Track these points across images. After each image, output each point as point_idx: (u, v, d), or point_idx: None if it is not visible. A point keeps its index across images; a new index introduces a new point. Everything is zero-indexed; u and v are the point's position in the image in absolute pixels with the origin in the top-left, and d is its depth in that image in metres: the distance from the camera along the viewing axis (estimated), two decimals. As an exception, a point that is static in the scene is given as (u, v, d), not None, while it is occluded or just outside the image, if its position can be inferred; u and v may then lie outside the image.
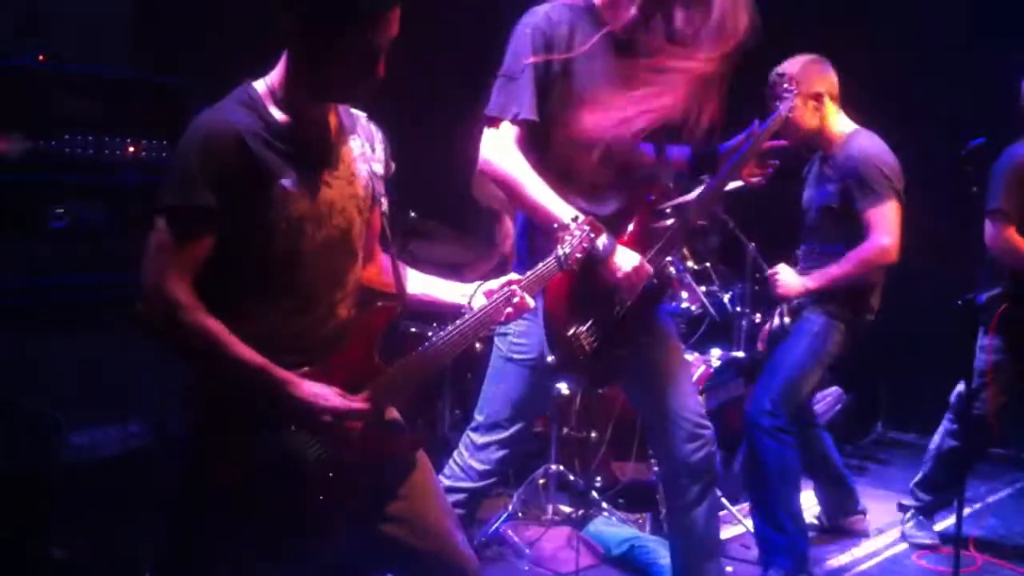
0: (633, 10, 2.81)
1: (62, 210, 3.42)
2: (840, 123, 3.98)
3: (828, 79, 3.95)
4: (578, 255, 2.44)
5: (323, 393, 2.17)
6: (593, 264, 2.67)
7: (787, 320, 4.06)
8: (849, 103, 4.02)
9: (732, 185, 3.28)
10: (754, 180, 3.23)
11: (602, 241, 2.66)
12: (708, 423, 3.01)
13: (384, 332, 2.32)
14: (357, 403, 2.21)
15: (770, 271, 4.00)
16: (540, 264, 2.46)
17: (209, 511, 2.19)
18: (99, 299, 3.42)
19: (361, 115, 2.40)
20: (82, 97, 3.52)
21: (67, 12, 3.94)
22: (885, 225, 3.77)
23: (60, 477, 3.28)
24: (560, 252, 2.43)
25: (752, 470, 3.97)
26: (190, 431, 2.20)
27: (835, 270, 3.84)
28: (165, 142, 3.68)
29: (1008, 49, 4.59)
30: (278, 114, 2.19)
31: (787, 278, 3.93)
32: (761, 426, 3.89)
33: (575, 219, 2.48)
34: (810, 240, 4.08)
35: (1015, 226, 4.02)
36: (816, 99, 3.90)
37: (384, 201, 2.37)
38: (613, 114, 2.78)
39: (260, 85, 2.21)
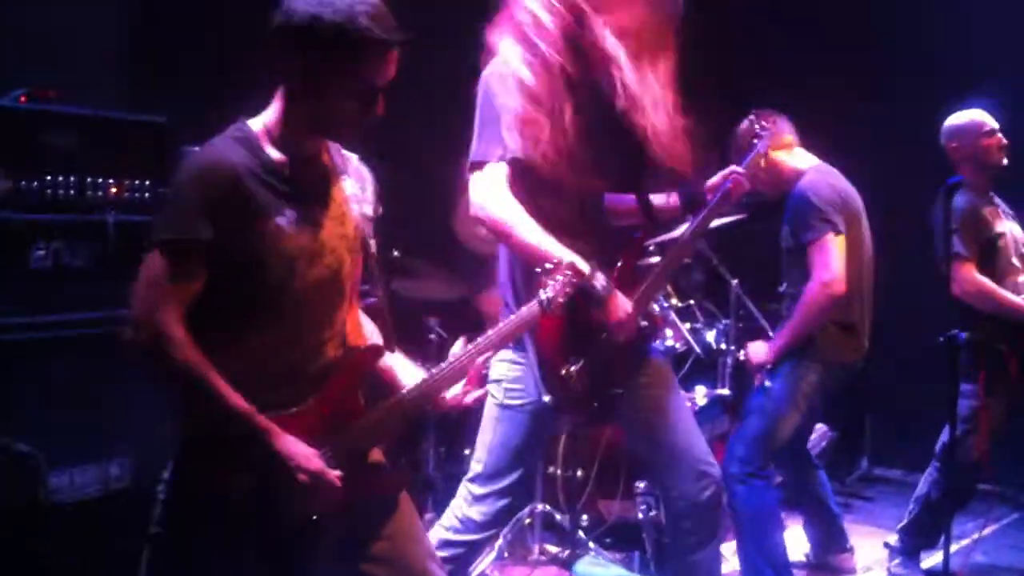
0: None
1: (43, 250, 3.40)
2: (794, 162, 3.99)
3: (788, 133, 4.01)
4: (560, 300, 2.44)
5: (301, 453, 2.16)
6: (584, 303, 2.65)
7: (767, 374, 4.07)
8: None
9: (716, 222, 3.28)
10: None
11: (600, 282, 2.66)
12: (714, 461, 2.97)
13: (369, 374, 2.31)
14: (331, 475, 2.18)
15: (743, 352, 4.09)
16: (524, 308, 2.46)
17: (199, 527, 2.18)
18: (80, 339, 3.40)
19: (352, 156, 2.41)
20: (65, 137, 3.51)
21: (60, 46, 3.94)
22: (823, 261, 3.77)
23: (40, 518, 3.23)
24: (543, 296, 2.43)
25: (731, 516, 3.96)
26: (181, 448, 2.20)
27: (792, 322, 3.88)
28: (148, 182, 3.65)
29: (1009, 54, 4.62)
30: (273, 152, 2.20)
31: (756, 349, 4.00)
32: (732, 473, 3.90)
33: (558, 263, 2.47)
34: (785, 279, 4.10)
35: (976, 267, 4.07)
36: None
37: (372, 243, 2.37)
38: (588, 163, 2.79)
39: (255, 123, 2.23)
